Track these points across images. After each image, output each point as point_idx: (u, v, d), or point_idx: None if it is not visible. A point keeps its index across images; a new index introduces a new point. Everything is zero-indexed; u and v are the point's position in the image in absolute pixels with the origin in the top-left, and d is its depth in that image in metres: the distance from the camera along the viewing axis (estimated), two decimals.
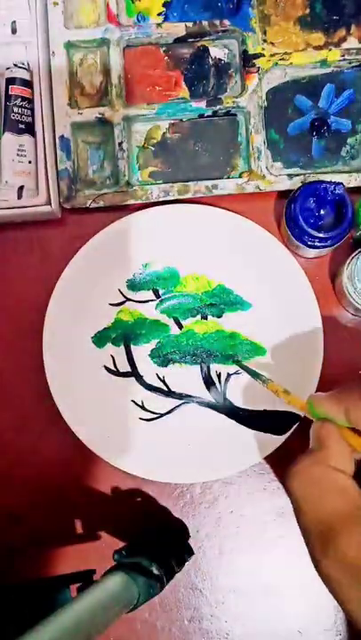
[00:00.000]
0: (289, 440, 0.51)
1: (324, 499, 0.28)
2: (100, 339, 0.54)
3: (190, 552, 0.52)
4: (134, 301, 0.54)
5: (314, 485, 0.29)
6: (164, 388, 0.54)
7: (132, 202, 0.54)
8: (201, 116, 0.55)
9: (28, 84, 0.53)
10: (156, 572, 0.45)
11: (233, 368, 0.54)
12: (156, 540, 0.50)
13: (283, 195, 0.54)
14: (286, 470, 0.30)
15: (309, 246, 0.50)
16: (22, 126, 0.53)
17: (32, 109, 0.54)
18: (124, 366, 0.54)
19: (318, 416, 0.32)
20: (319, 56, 0.54)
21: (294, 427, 0.51)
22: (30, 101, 0.53)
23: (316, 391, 0.51)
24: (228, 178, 0.55)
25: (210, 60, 0.56)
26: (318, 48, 0.55)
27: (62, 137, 0.54)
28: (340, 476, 0.29)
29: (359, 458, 0.30)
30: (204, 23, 0.55)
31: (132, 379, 0.54)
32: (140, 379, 0.54)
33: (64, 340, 0.52)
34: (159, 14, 0.56)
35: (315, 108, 0.55)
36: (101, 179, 0.55)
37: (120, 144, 0.54)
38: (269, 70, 0.54)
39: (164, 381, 0.54)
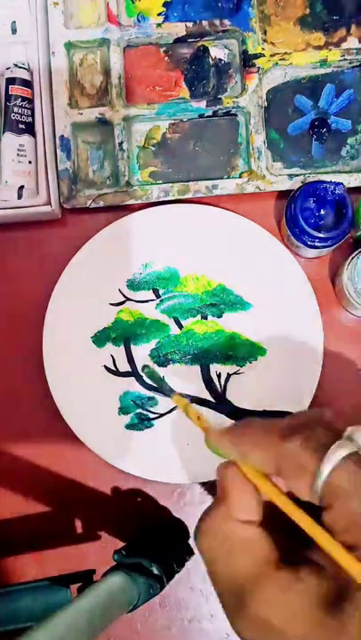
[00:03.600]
0: None
1: (232, 558, 0.27)
2: (99, 339, 0.54)
3: (190, 552, 0.52)
4: (134, 301, 0.54)
5: (220, 544, 0.27)
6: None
7: (132, 202, 0.54)
8: (201, 116, 0.55)
9: (28, 84, 0.53)
10: (156, 572, 0.45)
11: (233, 368, 0.54)
12: (156, 540, 0.50)
13: (283, 195, 0.54)
14: (195, 528, 0.28)
15: (309, 246, 0.50)
16: (22, 126, 0.53)
17: (32, 109, 0.54)
18: (124, 366, 0.54)
19: (213, 450, 0.30)
20: (319, 56, 0.54)
21: None
22: (30, 101, 0.53)
23: (317, 391, 0.51)
24: (229, 178, 0.55)
25: (210, 59, 0.56)
26: (318, 48, 0.55)
27: (62, 137, 0.54)
28: (246, 530, 0.27)
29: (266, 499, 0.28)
30: (204, 23, 0.55)
31: (132, 379, 0.54)
32: (140, 379, 0.54)
33: (64, 340, 0.52)
34: (159, 14, 0.56)
35: (315, 107, 0.55)
36: (101, 179, 0.55)
37: (120, 144, 0.54)
38: (269, 70, 0.54)
39: (164, 381, 0.54)
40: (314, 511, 0.25)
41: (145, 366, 0.53)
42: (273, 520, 0.27)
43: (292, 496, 0.26)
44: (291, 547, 0.27)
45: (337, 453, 0.24)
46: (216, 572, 0.28)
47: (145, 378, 0.53)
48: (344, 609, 0.23)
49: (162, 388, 0.50)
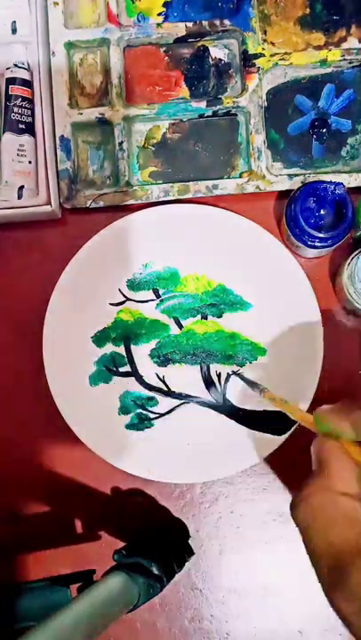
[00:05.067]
0: (289, 440, 0.51)
1: (331, 529, 0.26)
2: (99, 339, 0.54)
3: (190, 552, 0.52)
4: (134, 301, 0.54)
5: (319, 515, 0.27)
6: (164, 388, 0.54)
7: (132, 202, 0.54)
8: (201, 115, 0.55)
9: (28, 84, 0.53)
10: (156, 572, 0.45)
11: (233, 368, 0.54)
12: (156, 540, 0.50)
13: (283, 195, 0.54)
14: (291, 500, 0.28)
15: (309, 246, 0.50)
16: (22, 126, 0.53)
17: (32, 109, 0.54)
18: (123, 366, 0.54)
19: (324, 430, 0.30)
20: (319, 56, 0.54)
21: (294, 427, 0.51)
22: (30, 101, 0.53)
23: (317, 391, 0.51)
24: (229, 178, 0.55)
25: (210, 59, 0.56)
26: (318, 48, 0.55)
27: (62, 137, 0.54)
28: (347, 502, 0.27)
29: None
30: (205, 23, 0.55)
31: (132, 379, 0.54)
32: (140, 379, 0.54)
33: (64, 340, 0.52)
34: (159, 14, 0.56)
35: (315, 108, 0.55)
36: (101, 179, 0.55)
37: (120, 144, 0.54)
38: (269, 70, 0.54)
39: (163, 381, 0.54)
40: None
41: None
42: None
43: None
44: None
45: None
46: (314, 543, 0.27)
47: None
48: None
49: (253, 385, 0.51)
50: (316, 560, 0.27)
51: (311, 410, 0.51)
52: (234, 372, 0.53)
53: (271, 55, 0.54)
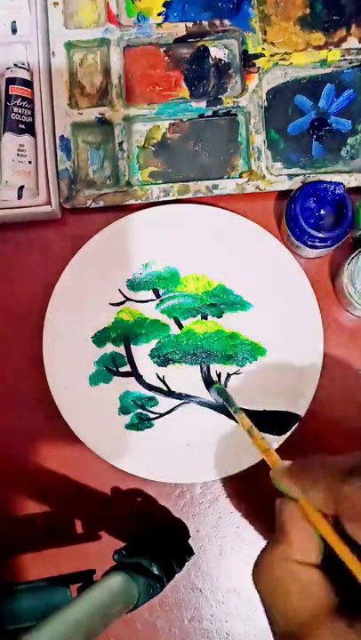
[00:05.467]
0: (289, 440, 0.51)
1: (289, 600, 0.26)
2: (99, 339, 0.54)
3: (190, 552, 0.52)
4: (134, 301, 0.54)
5: (278, 585, 0.26)
6: (164, 388, 0.54)
7: (132, 202, 0.54)
8: (201, 115, 0.55)
9: (28, 84, 0.53)
10: (156, 572, 0.45)
11: (233, 368, 0.54)
12: (156, 540, 0.50)
13: (283, 195, 0.54)
14: (253, 566, 0.28)
15: (310, 246, 0.50)
16: (22, 126, 0.53)
17: (32, 109, 0.54)
18: (123, 366, 0.54)
19: (279, 489, 0.30)
20: (319, 56, 0.54)
21: (294, 427, 0.51)
22: (30, 101, 0.53)
23: (317, 391, 0.51)
24: (229, 178, 0.55)
25: (210, 59, 0.56)
26: (318, 48, 0.55)
27: (62, 137, 0.54)
28: (304, 572, 0.26)
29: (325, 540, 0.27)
30: (205, 23, 0.55)
31: (132, 379, 0.54)
32: (140, 379, 0.54)
33: (64, 340, 0.52)
34: (159, 14, 0.56)
35: (315, 107, 0.55)
36: (101, 179, 0.55)
37: (120, 144, 0.54)
38: (269, 70, 0.54)
39: (164, 381, 0.54)
40: None
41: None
42: (334, 562, 0.26)
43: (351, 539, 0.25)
44: (350, 591, 0.26)
45: None
46: (272, 612, 0.27)
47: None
48: None
49: (229, 403, 0.51)
50: (274, 627, 0.27)
51: (310, 411, 0.51)
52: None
53: (271, 55, 0.54)
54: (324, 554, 0.27)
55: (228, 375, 0.54)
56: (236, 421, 0.49)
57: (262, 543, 0.53)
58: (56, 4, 0.54)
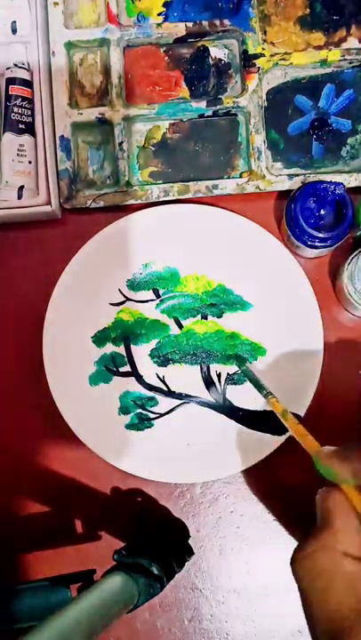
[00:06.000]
0: (289, 440, 0.51)
1: (332, 592, 0.25)
2: (99, 339, 0.54)
3: (190, 552, 0.52)
4: (134, 301, 0.54)
5: (320, 576, 0.25)
6: (164, 388, 0.54)
7: (132, 202, 0.54)
8: (201, 115, 0.55)
9: (28, 84, 0.53)
10: (156, 572, 0.45)
11: (233, 368, 0.54)
12: (156, 540, 0.50)
13: (283, 195, 0.54)
14: (293, 554, 0.27)
15: (309, 246, 0.50)
16: (22, 126, 0.53)
17: (32, 109, 0.54)
18: (123, 366, 0.54)
19: (323, 473, 0.29)
20: (319, 56, 0.54)
21: None
22: (30, 101, 0.53)
23: (317, 391, 0.51)
24: (229, 178, 0.55)
25: (210, 59, 0.56)
26: (318, 48, 0.55)
27: (62, 137, 0.54)
28: (349, 564, 0.25)
29: None
30: (205, 23, 0.55)
31: (132, 379, 0.54)
32: (140, 379, 0.54)
33: (64, 340, 0.52)
34: (159, 14, 0.56)
35: (315, 107, 0.55)
36: (101, 179, 0.55)
37: (120, 144, 0.54)
38: (269, 70, 0.54)
39: (164, 381, 0.54)
40: None
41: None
42: None
43: None
44: None
45: None
46: (312, 605, 0.26)
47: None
48: None
49: (258, 387, 0.50)
50: (314, 623, 0.26)
51: (310, 411, 0.51)
52: (240, 368, 0.53)
53: (271, 55, 0.54)
54: None
55: (229, 375, 0.54)
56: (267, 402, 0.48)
57: (263, 543, 0.54)
58: (56, 3, 0.54)
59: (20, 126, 0.53)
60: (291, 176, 0.54)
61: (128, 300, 0.54)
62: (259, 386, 0.51)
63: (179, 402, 0.54)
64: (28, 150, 0.53)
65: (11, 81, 0.53)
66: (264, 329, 0.53)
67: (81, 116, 0.54)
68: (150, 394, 0.54)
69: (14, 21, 0.54)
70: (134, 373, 0.54)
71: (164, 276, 0.54)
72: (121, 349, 0.54)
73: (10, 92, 0.53)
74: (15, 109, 0.53)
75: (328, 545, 0.26)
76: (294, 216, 0.49)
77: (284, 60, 0.54)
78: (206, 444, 0.53)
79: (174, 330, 0.54)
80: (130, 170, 0.55)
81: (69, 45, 0.55)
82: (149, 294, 0.54)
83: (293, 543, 0.30)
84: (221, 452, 0.52)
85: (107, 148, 0.55)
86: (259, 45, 0.54)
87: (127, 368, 0.54)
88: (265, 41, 0.55)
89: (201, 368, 0.54)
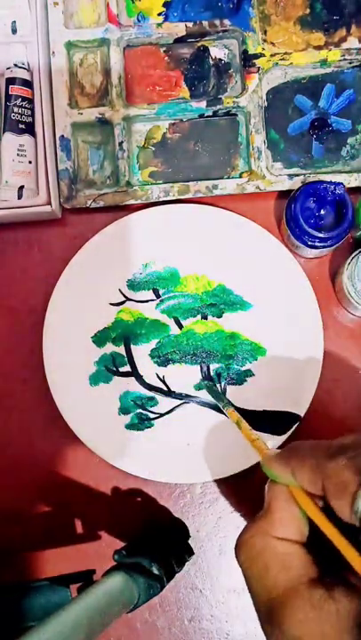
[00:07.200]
0: (289, 440, 0.51)
1: (267, 573, 0.27)
2: (99, 339, 0.54)
3: (190, 552, 0.52)
4: (134, 301, 0.54)
5: (257, 558, 0.28)
6: (164, 388, 0.54)
7: (132, 202, 0.54)
8: (201, 115, 0.55)
9: (28, 84, 0.53)
10: (156, 572, 0.45)
11: (233, 368, 0.54)
12: (156, 540, 0.50)
13: (283, 195, 0.54)
14: (236, 540, 0.29)
15: (309, 246, 0.50)
16: (22, 126, 0.53)
17: (32, 109, 0.54)
18: (124, 366, 0.54)
19: (270, 476, 0.31)
20: (319, 56, 0.54)
21: (294, 427, 0.51)
22: (30, 101, 0.53)
23: (317, 391, 0.51)
24: (229, 178, 0.55)
25: (210, 59, 0.56)
26: (318, 48, 0.55)
27: (62, 137, 0.54)
28: (283, 547, 0.27)
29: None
30: (205, 23, 0.55)
31: (132, 379, 0.54)
32: (140, 379, 0.54)
33: (64, 340, 0.52)
34: (159, 14, 0.56)
35: (315, 108, 0.55)
36: (101, 179, 0.55)
37: (120, 144, 0.54)
38: (269, 70, 0.54)
39: (164, 381, 0.54)
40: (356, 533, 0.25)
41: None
42: (318, 540, 0.27)
43: (337, 517, 0.26)
44: (331, 567, 0.26)
45: None
46: (252, 586, 0.28)
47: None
48: None
49: (220, 400, 0.51)
50: (255, 601, 0.28)
51: (310, 411, 0.51)
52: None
53: (271, 55, 0.54)
54: (310, 535, 0.28)
55: (229, 375, 0.54)
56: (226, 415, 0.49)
57: None
58: (56, 3, 0.54)
59: (20, 126, 0.53)
60: (291, 176, 0.54)
61: (128, 299, 0.54)
62: (219, 398, 0.52)
63: (179, 402, 0.54)
64: (28, 150, 0.53)
65: (11, 81, 0.53)
66: (264, 329, 0.53)
67: (81, 116, 0.54)
68: (150, 394, 0.54)
69: (14, 21, 0.54)
70: (134, 373, 0.54)
71: (164, 275, 0.54)
72: (121, 349, 0.54)
73: (10, 92, 0.53)
74: (15, 109, 0.53)
75: (264, 530, 0.28)
76: (294, 216, 0.49)
77: (284, 59, 0.54)
78: (206, 444, 0.53)
79: (174, 330, 0.54)
80: (130, 170, 0.55)
81: (69, 45, 0.55)
82: (149, 294, 0.54)
83: None
84: (221, 451, 0.52)
85: (107, 148, 0.55)
86: (259, 45, 0.54)
87: (127, 368, 0.54)
88: (265, 41, 0.55)
89: (201, 368, 0.54)
